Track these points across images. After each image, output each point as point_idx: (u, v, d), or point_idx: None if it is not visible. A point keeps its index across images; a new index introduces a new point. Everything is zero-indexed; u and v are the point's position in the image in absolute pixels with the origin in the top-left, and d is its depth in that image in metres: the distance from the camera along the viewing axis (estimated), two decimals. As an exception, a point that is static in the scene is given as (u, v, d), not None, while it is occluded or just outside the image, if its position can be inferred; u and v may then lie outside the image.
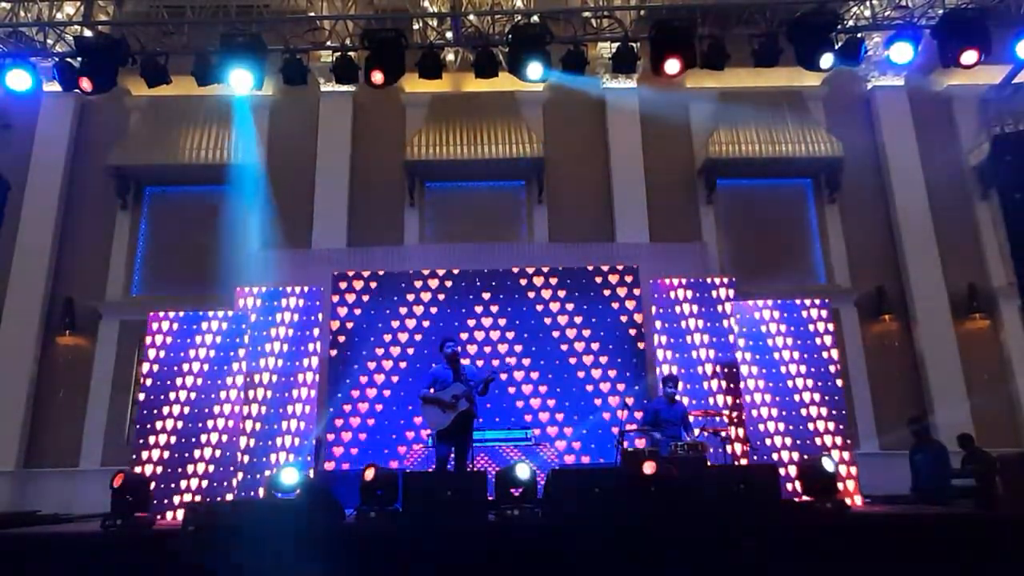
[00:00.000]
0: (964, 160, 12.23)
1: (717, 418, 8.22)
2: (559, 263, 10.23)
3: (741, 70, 9.24)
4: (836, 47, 7.97)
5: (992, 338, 11.54)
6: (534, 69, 8.02)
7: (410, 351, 9.68)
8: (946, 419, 10.41)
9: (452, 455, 7.29)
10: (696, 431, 8.08)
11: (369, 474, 6.19)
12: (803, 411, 8.76)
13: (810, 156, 11.96)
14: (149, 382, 8.59)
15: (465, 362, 7.93)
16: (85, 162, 11.99)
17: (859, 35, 8.20)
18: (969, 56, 7.69)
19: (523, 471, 6.17)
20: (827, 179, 12.17)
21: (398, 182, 12.06)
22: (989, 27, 7.84)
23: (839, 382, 8.90)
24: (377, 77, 7.99)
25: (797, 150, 11.94)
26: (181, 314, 8.94)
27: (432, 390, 7.29)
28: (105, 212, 11.84)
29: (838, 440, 8.59)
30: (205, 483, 8.33)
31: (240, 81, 8.01)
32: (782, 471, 7.95)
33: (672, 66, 7.85)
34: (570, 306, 9.92)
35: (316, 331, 9.01)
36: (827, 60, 7.91)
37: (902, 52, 8.22)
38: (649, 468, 6.08)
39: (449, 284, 9.99)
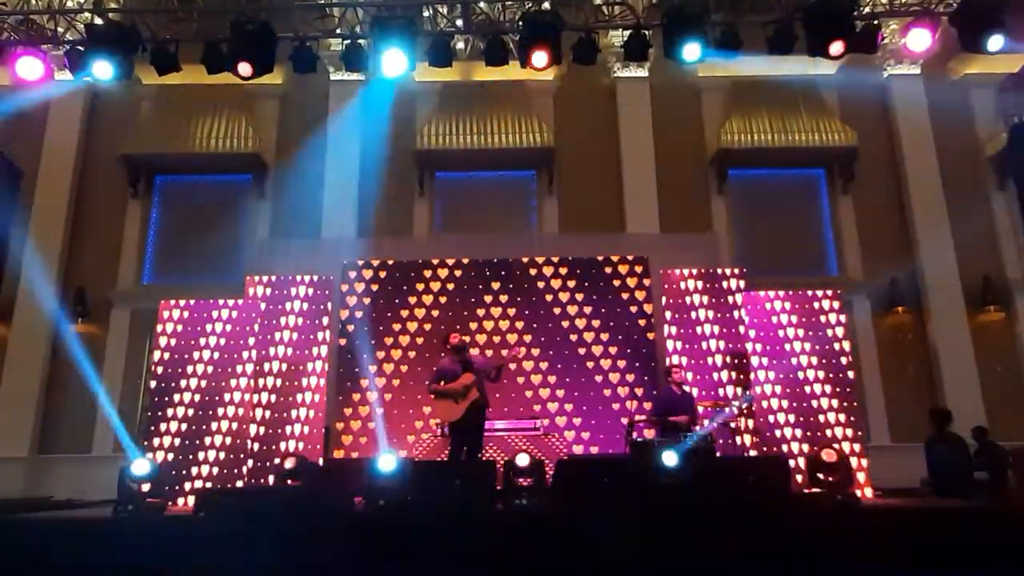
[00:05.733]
0: (980, 150, 12.06)
1: (727, 409, 8.19)
2: (569, 253, 10.19)
3: (754, 58, 9.11)
4: (852, 34, 7.83)
5: (1007, 331, 11.42)
6: (542, 57, 7.95)
7: (419, 340, 9.67)
8: (959, 412, 10.28)
9: (464, 446, 7.28)
10: (706, 422, 8.05)
11: (383, 463, 6.21)
12: (814, 403, 8.71)
13: (823, 145, 11.82)
14: (160, 370, 8.64)
15: (474, 351, 7.92)
16: (96, 151, 12.04)
17: (875, 22, 8.07)
18: (996, 41, 7.54)
19: (522, 460, 6.20)
20: (841, 169, 12.03)
21: (408, 171, 12.03)
22: (1008, 14, 7.71)
23: (851, 374, 8.83)
24: (394, 64, 7.91)
25: (810, 139, 11.80)
26: (192, 302, 8.98)
27: (442, 383, 7.26)
28: (116, 201, 11.88)
29: (849, 432, 8.54)
30: (215, 470, 8.38)
31: (247, 70, 7.98)
32: (792, 463, 7.93)
33: (691, 51, 7.75)
34: (580, 296, 9.88)
35: (325, 320, 9.04)
36: (840, 48, 7.77)
37: (919, 40, 8.09)
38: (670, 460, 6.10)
39: (459, 273, 9.97)
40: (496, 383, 7.59)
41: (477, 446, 7.28)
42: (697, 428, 7.76)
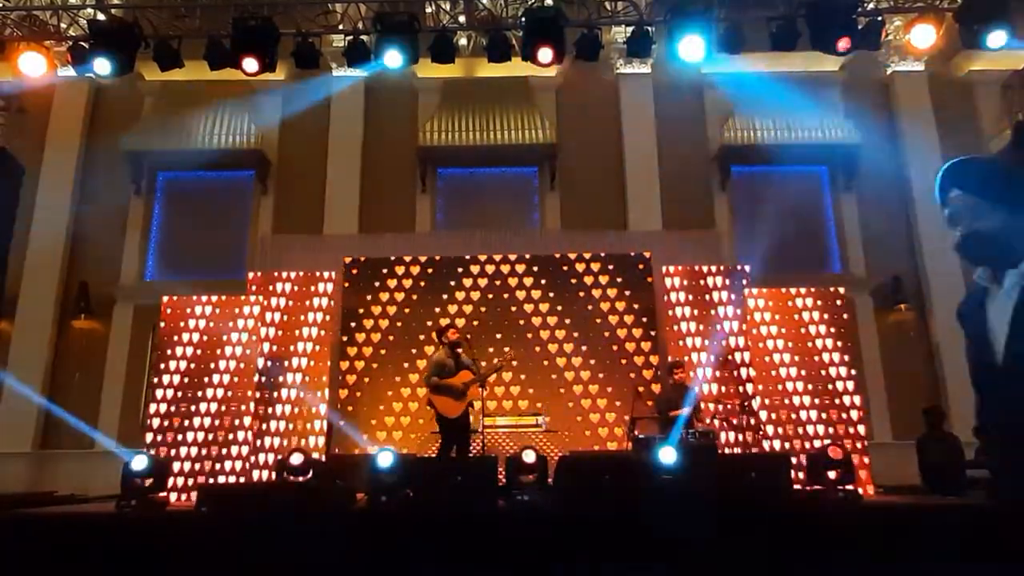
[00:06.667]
0: (985, 147, 12.00)
1: (728, 406, 8.18)
2: (571, 250, 10.18)
3: (757, 54, 9.09)
4: (855, 31, 7.81)
5: (1010, 328, 11.37)
6: (547, 54, 7.94)
7: (421, 337, 9.68)
8: (962, 410, 10.28)
9: (455, 444, 7.25)
10: (707, 419, 8.05)
11: (385, 459, 6.22)
12: (816, 400, 8.71)
13: (827, 142, 11.76)
14: (163, 366, 8.66)
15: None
16: (99, 147, 12.04)
17: (879, 18, 8.04)
18: (997, 38, 7.50)
19: (529, 456, 6.20)
20: (844, 166, 11.97)
21: (410, 168, 12.02)
22: (1013, 10, 7.68)
23: (853, 372, 8.82)
24: (394, 58, 7.90)
25: (813, 136, 11.74)
26: (194, 298, 9.00)
27: (441, 378, 7.23)
28: (119, 197, 11.88)
29: (851, 429, 8.53)
30: (218, 465, 8.41)
31: (252, 65, 7.99)
32: (793, 460, 7.93)
33: (694, 48, 7.74)
34: (581, 294, 9.87)
35: (327, 316, 9.04)
36: (845, 44, 7.75)
37: (923, 36, 8.06)
38: (667, 456, 6.09)
39: (460, 270, 9.97)
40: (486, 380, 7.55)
41: (468, 445, 7.26)
42: (699, 425, 7.76)
